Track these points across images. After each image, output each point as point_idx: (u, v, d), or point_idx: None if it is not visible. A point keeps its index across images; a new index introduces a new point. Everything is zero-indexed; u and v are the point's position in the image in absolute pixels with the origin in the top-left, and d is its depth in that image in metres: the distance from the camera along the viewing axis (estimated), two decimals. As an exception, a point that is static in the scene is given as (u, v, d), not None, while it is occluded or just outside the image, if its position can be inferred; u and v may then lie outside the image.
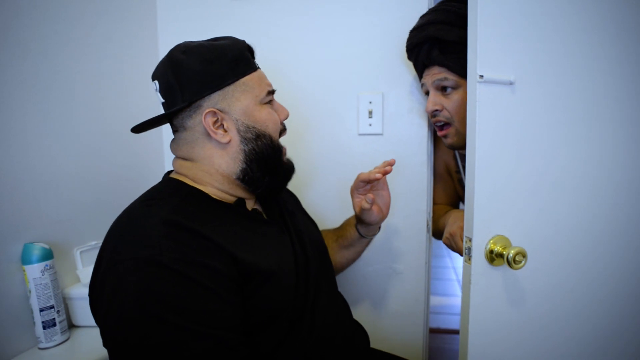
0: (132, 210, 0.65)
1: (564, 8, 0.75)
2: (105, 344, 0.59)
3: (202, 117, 0.69)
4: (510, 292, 0.77)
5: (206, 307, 0.57)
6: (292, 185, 1.08)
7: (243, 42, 0.75)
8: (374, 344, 0.97)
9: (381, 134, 1.12)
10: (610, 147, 0.78)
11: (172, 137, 1.24)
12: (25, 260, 0.83)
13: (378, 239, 1.14)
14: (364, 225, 0.94)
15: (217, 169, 0.72)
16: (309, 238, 0.85)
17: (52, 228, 0.92)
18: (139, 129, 0.75)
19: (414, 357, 0.99)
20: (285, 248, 0.75)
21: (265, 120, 0.73)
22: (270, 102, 0.76)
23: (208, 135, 0.70)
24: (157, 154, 1.25)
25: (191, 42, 0.73)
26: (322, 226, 1.03)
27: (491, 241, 0.77)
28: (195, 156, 0.73)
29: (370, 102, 1.11)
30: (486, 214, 0.76)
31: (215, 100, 0.69)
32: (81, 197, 0.99)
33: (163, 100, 0.73)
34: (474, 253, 0.76)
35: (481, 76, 0.74)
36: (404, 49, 1.08)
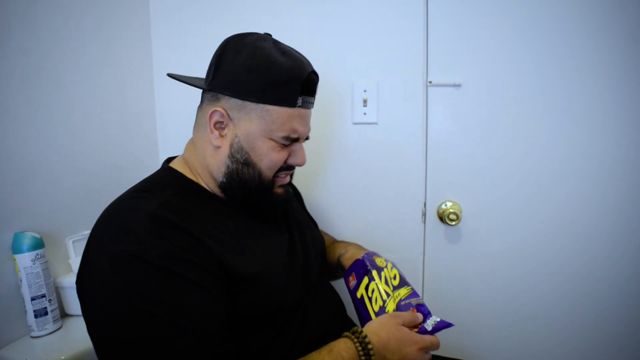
0: (121, 202, 0.64)
1: (503, 23, 1.02)
2: (91, 337, 0.58)
3: (211, 110, 0.67)
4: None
5: (192, 301, 0.56)
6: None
7: (305, 73, 0.67)
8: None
9: (376, 123, 1.10)
10: (544, 131, 1.03)
11: (166, 126, 1.25)
12: (16, 249, 0.83)
13: (374, 229, 1.14)
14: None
15: (207, 165, 0.70)
16: (312, 238, 0.83)
17: (44, 217, 0.92)
18: (175, 77, 0.73)
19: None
20: (281, 248, 0.73)
21: (262, 154, 0.68)
22: (284, 144, 0.69)
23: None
24: (151, 143, 1.25)
25: (257, 39, 0.68)
26: (316, 218, 1.02)
27: (441, 205, 1.10)
28: (197, 140, 0.72)
29: (365, 91, 1.09)
30: (435, 184, 1.11)
31: (231, 105, 0.66)
32: (74, 186, 0.99)
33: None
34: (427, 213, 1.12)
35: (430, 82, 1.07)
36: (399, 36, 1.07)
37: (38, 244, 0.86)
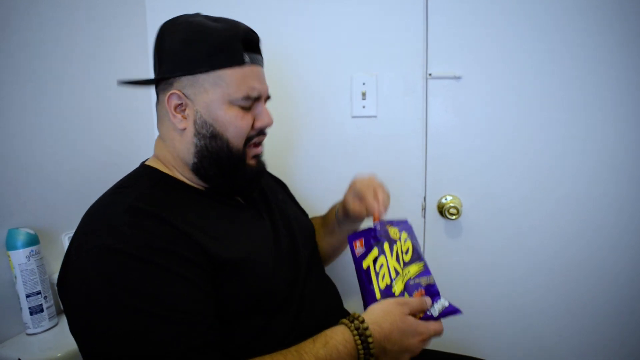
0: (101, 199, 0.64)
1: (504, 15, 1.00)
2: (74, 336, 0.57)
3: (167, 96, 0.67)
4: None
5: (174, 291, 0.55)
6: (283, 171, 1.06)
7: (242, 30, 0.68)
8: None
9: (375, 117, 1.09)
10: (545, 125, 1.02)
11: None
12: (10, 245, 0.82)
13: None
14: (346, 216, 0.86)
15: (178, 153, 0.69)
16: (298, 226, 0.82)
17: (39, 214, 0.91)
18: (126, 83, 0.73)
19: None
20: (263, 234, 0.72)
21: (226, 122, 0.66)
22: (248, 107, 0.68)
23: (169, 115, 0.68)
24: (147, 140, 1.23)
25: (188, 17, 0.69)
26: (313, 213, 1.01)
27: (442, 199, 1.09)
28: (162, 134, 0.72)
29: (364, 84, 1.07)
30: (435, 178, 1.09)
31: (183, 84, 0.66)
32: (70, 182, 0.98)
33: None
34: (427, 208, 1.11)
35: (430, 74, 1.04)
36: (399, 28, 1.05)
37: (33, 240, 0.85)
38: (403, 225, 0.79)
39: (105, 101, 1.07)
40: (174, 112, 0.67)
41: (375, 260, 0.71)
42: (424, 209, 1.11)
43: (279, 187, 0.95)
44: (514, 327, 1.10)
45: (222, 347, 0.58)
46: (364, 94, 1.08)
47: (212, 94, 0.66)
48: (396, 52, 1.06)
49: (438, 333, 0.66)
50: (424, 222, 1.11)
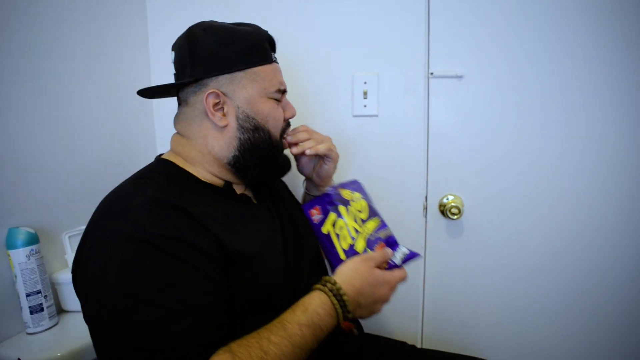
0: (120, 189, 0.65)
1: (506, 13, 1.00)
2: (86, 321, 0.58)
3: (204, 96, 0.69)
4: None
5: (188, 283, 0.56)
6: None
7: (265, 32, 0.75)
8: (371, 328, 0.95)
9: (376, 116, 1.09)
10: (546, 124, 1.02)
11: (163, 121, 1.23)
12: (10, 244, 0.82)
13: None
14: (310, 183, 0.92)
15: (209, 149, 0.71)
16: (303, 226, 0.83)
17: (39, 213, 0.90)
18: (146, 93, 0.76)
19: (410, 341, 0.99)
20: (274, 232, 0.74)
21: (267, 114, 0.72)
22: (279, 99, 0.75)
23: (207, 115, 0.70)
24: (149, 138, 1.23)
25: (215, 21, 0.73)
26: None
27: (443, 199, 1.09)
28: (191, 133, 0.73)
29: (365, 83, 1.07)
30: (437, 178, 1.09)
31: (221, 83, 0.69)
32: (69, 181, 0.97)
33: (175, 72, 0.74)
34: (428, 207, 1.10)
35: (432, 73, 1.05)
36: (400, 27, 1.05)
37: (33, 240, 0.84)
38: (354, 185, 0.84)
39: (105, 101, 1.07)
40: (213, 111, 0.69)
41: (334, 224, 0.76)
42: (425, 208, 1.11)
43: (282, 186, 0.96)
44: (514, 327, 1.10)
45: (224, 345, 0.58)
46: (365, 93, 1.08)
47: (251, 89, 0.71)
48: (397, 51, 1.06)
49: (403, 279, 0.72)
50: (425, 222, 1.11)
